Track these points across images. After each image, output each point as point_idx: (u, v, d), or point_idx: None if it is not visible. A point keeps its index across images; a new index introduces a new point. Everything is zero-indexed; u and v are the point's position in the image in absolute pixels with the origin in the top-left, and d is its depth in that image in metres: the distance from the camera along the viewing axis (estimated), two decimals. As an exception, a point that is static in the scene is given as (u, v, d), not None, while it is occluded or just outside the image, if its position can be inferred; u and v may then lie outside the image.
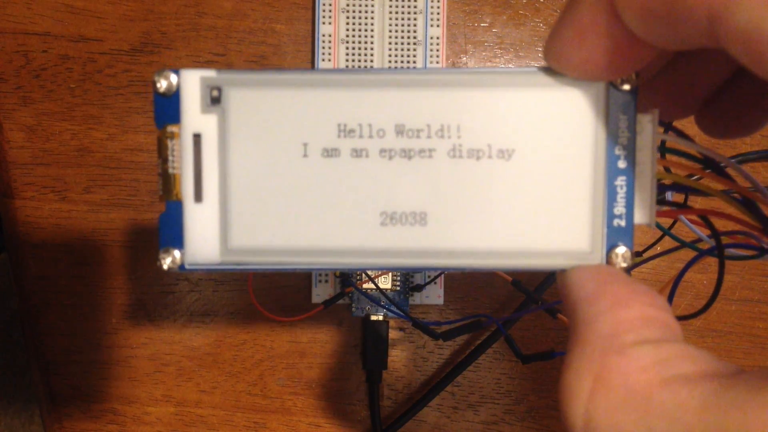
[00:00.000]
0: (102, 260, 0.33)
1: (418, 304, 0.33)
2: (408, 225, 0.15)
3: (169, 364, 0.33)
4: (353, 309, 0.32)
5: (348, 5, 0.32)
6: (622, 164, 0.15)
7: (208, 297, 0.33)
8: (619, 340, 0.12)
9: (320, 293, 0.33)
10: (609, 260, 0.15)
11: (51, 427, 0.33)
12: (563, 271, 0.15)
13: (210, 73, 0.15)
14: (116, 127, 0.32)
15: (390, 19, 0.32)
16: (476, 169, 0.15)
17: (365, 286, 0.32)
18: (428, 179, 0.15)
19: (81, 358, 0.33)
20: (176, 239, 0.15)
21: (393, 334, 0.33)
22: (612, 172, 0.15)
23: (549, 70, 0.15)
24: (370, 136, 0.15)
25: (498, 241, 0.15)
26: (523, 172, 0.15)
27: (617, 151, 0.15)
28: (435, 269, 0.17)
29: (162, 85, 0.15)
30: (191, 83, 0.15)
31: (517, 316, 0.32)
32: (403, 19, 0.32)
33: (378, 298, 0.32)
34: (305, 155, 0.15)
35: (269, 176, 0.15)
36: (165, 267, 0.15)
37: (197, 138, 0.15)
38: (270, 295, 0.33)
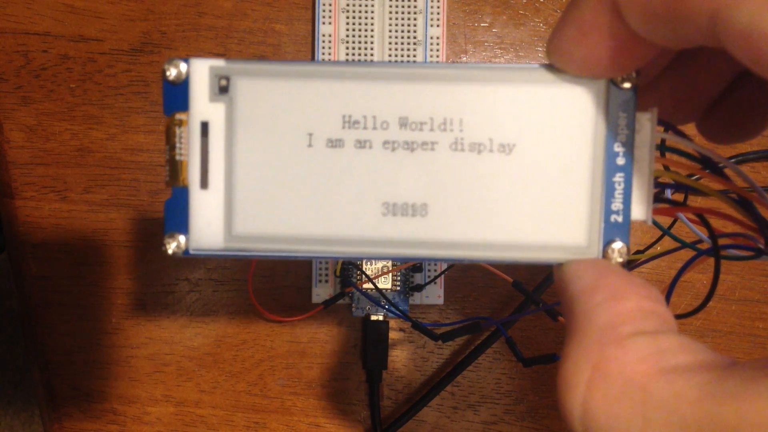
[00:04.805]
0: (102, 260, 0.33)
1: (418, 304, 0.33)
2: (409, 216, 0.15)
3: (169, 364, 0.33)
4: (353, 309, 0.32)
5: (348, 5, 0.32)
6: (620, 161, 0.15)
7: (208, 297, 0.33)
8: (616, 332, 0.12)
9: (320, 293, 0.33)
10: (605, 255, 0.15)
11: (51, 427, 0.33)
12: (560, 265, 0.15)
13: (219, 63, 0.15)
14: (116, 127, 0.32)
15: (390, 19, 0.32)
16: (477, 162, 0.15)
17: (365, 286, 0.32)
18: (430, 171, 0.15)
19: (81, 358, 0.33)
20: (181, 225, 0.15)
21: (393, 334, 0.33)
22: (611, 169, 0.15)
23: (551, 67, 0.15)
24: (374, 128, 0.15)
25: (497, 234, 0.15)
26: (523, 166, 0.15)
27: (616, 148, 0.15)
28: (434, 260, 0.17)
29: (171, 73, 0.15)
30: (200, 72, 0.15)
31: (517, 317, 0.32)
32: (403, 19, 0.32)
33: (378, 298, 0.32)
34: (310, 145, 0.15)
35: (274, 165, 0.15)
36: (170, 252, 0.15)
37: (205, 126, 0.15)
38: (270, 295, 0.33)
